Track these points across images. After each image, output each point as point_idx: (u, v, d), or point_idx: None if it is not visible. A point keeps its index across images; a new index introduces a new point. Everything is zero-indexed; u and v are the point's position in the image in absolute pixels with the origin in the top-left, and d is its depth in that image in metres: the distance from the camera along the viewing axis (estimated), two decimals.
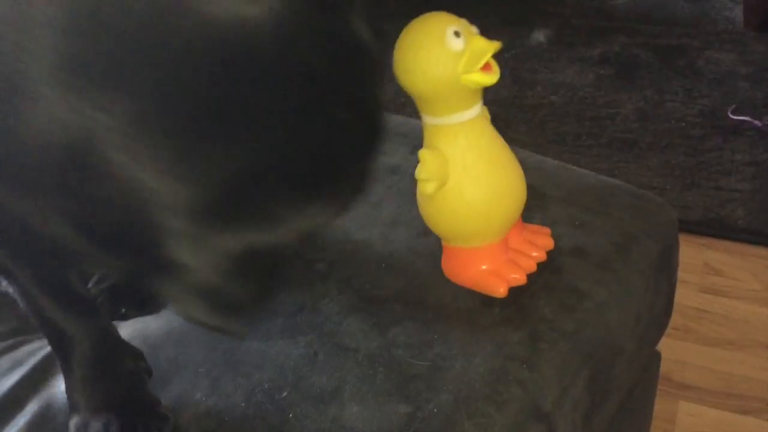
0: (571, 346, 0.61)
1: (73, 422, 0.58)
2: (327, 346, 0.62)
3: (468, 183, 0.60)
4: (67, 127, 0.37)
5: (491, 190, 0.60)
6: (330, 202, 0.43)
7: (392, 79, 0.55)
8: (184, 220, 0.38)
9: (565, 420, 0.60)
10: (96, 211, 0.39)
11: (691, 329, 1.26)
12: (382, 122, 0.43)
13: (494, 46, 0.57)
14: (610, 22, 2.00)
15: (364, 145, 0.43)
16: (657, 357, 0.83)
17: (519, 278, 0.63)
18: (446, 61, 0.56)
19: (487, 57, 0.56)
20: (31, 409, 0.62)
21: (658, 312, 0.74)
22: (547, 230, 0.66)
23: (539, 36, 1.96)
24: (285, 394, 0.58)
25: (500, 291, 0.62)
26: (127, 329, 0.66)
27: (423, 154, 0.60)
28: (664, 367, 1.19)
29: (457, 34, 0.56)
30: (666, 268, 0.73)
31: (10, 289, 0.57)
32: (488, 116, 0.62)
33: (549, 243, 0.65)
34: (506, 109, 1.74)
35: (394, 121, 0.73)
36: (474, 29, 0.58)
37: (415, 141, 0.64)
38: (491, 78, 0.57)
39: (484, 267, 0.63)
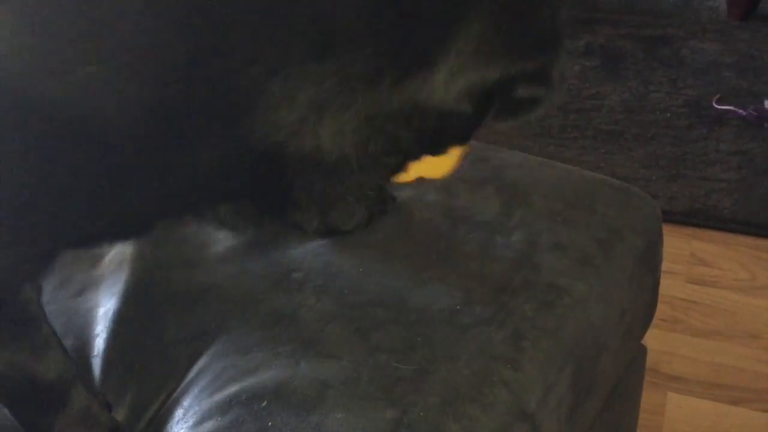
0: (553, 343, 0.61)
1: None
2: (309, 354, 0.61)
3: None
4: None
5: None
6: None
7: None
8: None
9: (550, 418, 0.60)
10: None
11: (679, 320, 1.27)
12: None
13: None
14: (594, 13, 2.00)
15: None
16: (643, 351, 0.83)
17: None
18: None
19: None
20: None
21: (643, 306, 0.74)
22: None
23: None
24: (264, 403, 0.57)
25: None
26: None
27: None
28: (652, 359, 1.19)
29: None
30: (650, 262, 0.73)
31: None
32: None
33: None
34: None
35: None
36: None
37: None
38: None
39: None
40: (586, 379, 0.64)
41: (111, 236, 0.57)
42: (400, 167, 0.57)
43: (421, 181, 0.67)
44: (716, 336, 1.23)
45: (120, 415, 0.61)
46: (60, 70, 0.42)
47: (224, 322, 0.64)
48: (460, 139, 0.57)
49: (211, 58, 0.44)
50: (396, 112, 0.50)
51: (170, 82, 0.44)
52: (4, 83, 0.42)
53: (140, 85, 0.44)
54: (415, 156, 0.56)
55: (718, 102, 1.62)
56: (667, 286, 1.36)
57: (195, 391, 0.60)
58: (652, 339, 1.24)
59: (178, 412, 0.60)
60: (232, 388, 0.60)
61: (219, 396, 0.59)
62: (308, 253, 0.70)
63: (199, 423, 0.58)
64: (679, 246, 1.38)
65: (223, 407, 0.58)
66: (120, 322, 0.65)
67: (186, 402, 0.60)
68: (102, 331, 0.65)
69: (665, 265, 1.34)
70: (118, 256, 0.69)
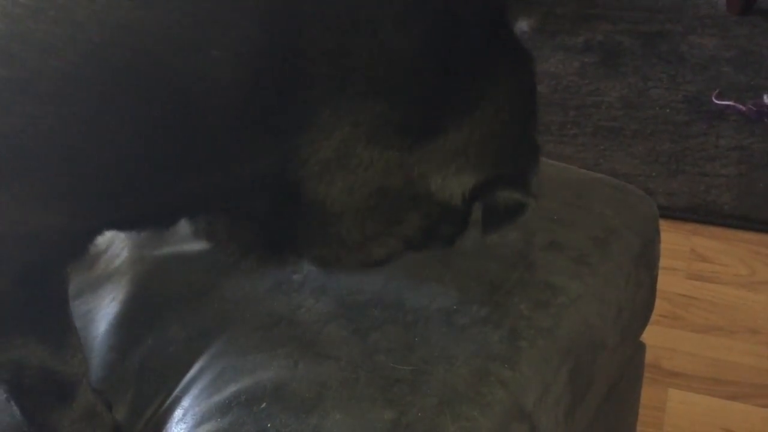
0: (549, 342, 0.61)
1: None
2: (307, 355, 0.61)
3: None
4: None
5: None
6: None
7: None
8: None
9: (548, 417, 0.60)
10: None
11: (680, 316, 1.27)
12: None
13: None
14: (593, 10, 2.00)
15: None
16: (642, 348, 0.84)
17: None
18: None
19: None
20: None
21: (641, 304, 0.74)
22: None
23: (523, 25, 1.95)
24: (263, 405, 0.57)
25: None
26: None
27: None
28: (652, 355, 1.20)
29: None
30: (647, 259, 0.73)
31: None
32: None
33: None
34: None
35: None
36: None
37: None
38: None
39: None
40: (583, 378, 0.64)
41: (146, 221, 0.59)
42: (389, 256, 0.59)
43: None
44: (717, 332, 1.24)
45: (120, 414, 0.61)
46: (192, 49, 0.45)
47: (224, 322, 0.64)
48: (448, 241, 0.61)
49: (289, 66, 0.48)
50: (404, 189, 0.54)
51: (259, 81, 0.47)
52: (140, 57, 0.44)
53: (242, 79, 0.47)
54: (408, 245, 0.59)
55: (718, 97, 1.62)
56: (667, 282, 1.37)
57: (195, 391, 0.61)
58: (652, 335, 1.24)
59: (178, 413, 0.60)
60: (232, 389, 0.60)
61: (218, 397, 0.59)
62: None
63: (198, 424, 0.58)
64: (679, 242, 1.38)
65: (223, 408, 0.58)
66: (119, 323, 0.65)
67: (186, 402, 0.60)
68: (101, 332, 0.65)
69: (665, 262, 1.34)
70: (114, 258, 0.69)
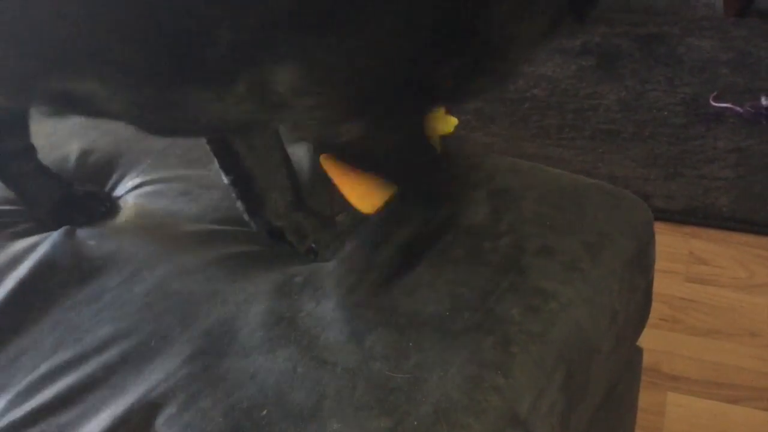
0: (542, 347, 0.61)
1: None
2: (306, 359, 0.62)
3: None
4: None
5: None
6: None
7: None
8: None
9: (543, 423, 0.60)
10: None
11: (679, 320, 1.27)
12: None
13: None
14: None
15: None
16: (639, 352, 0.84)
17: None
18: None
19: None
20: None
21: (636, 309, 0.74)
22: None
23: None
24: (264, 412, 0.58)
25: None
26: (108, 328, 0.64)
27: None
28: (652, 359, 1.20)
29: None
30: (641, 264, 0.73)
31: None
32: None
33: None
34: (489, 103, 1.74)
35: None
36: None
37: None
38: None
39: None
40: (578, 383, 0.65)
41: None
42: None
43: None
44: (716, 335, 1.24)
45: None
46: None
47: (227, 323, 0.65)
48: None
49: None
50: None
51: None
52: None
53: None
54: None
55: (715, 99, 1.62)
56: (665, 285, 1.37)
57: (196, 388, 0.61)
58: (651, 339, 1.24)
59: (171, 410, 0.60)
60: (235, 394, 0.60)
61: (223, 401, 0.60)
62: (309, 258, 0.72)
63: (199, 421, 0.59)
64: (677, 245, 1.39)
65: (226, 410, 0.59)
66: (122, 330, 0.66)
67: (185, 401, 0.61)
68: (106, 343, 0.65)
69: (664, 265, 1.35)
70: (107, 269, 0.70)
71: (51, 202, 0.78)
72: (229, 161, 0.72)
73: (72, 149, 0.87)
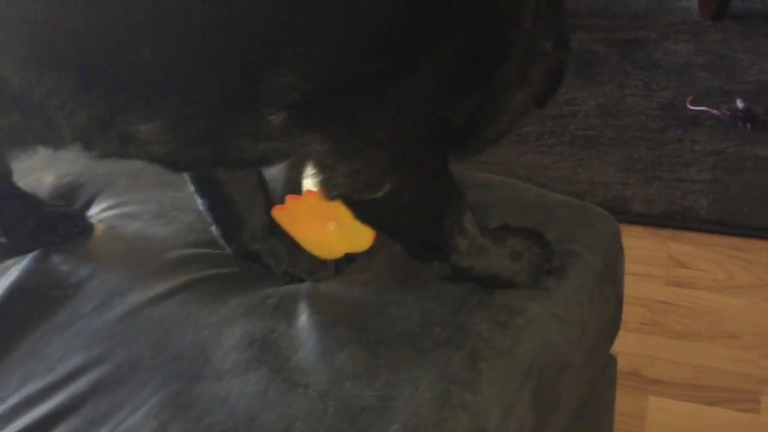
0: (509, 363, 0.62)
1: None
2: (277, 382, 0.63)
3: None
4: None
5: None
6: None
7: None
8: None
9: None
10: None
11: (659, 323, 1.28)
12: None
13: None
14: (568, 19, 2.01)
15: None
16: (612, 361, 0.85)
17: None
18: None
19: None
20: None
21: (607, 320, 0.75)
22: None
23: None
24: None
25: None
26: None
27: None
28: (632, 363, 1.21)
29: None
30: (611, 277, 0.74)
31: None
32: None
33: None
34: None
35: None
36: None
37: None
38: None
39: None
40: (548, 397, 0.66)
41: None
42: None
43: (348, 256, 0.72)
44: (696, 337, 1.25)
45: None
46: None
47: (200, 346, 0.66)
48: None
49: None
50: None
51: None
52: None
53: None
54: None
55: (692, 103, 1.64)
56: (646, 289, 1.38)
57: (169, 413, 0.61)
58: (632, 343, 1.26)
59: None
60: (205, 420, 0.61)
61: (193, 428, 0.60)
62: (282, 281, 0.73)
63: None
64: (657, 248, 1.40)
65: None
66: (93, 359, 0.66)
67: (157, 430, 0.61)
68: (77, 372, 0.65)
69: (644, 269, 1.36)
70: (78, 296, 0.70)
71: (26, 223, 0.79)
72: (207, 186, 0.73)
73: (47, 171, 0.88)
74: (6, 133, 0.63)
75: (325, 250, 0.71)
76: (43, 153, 0.90)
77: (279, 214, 0.72)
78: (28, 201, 0.80)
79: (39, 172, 0.88)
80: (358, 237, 0.69)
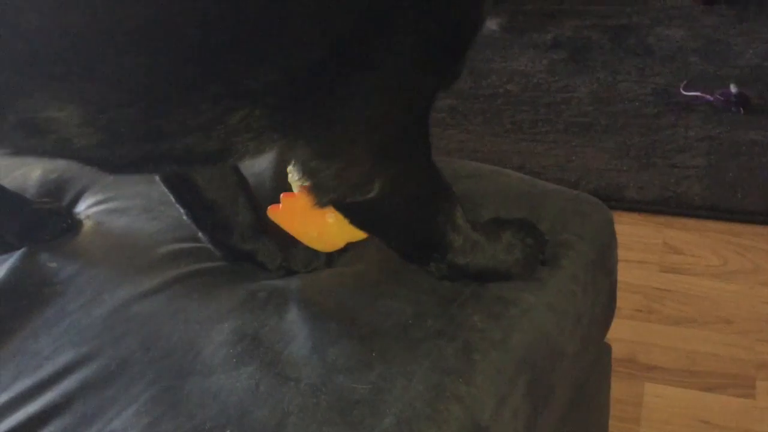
0: (503, 354, 0.62)
1: None
2: (269, 376, 0.62)
3: None
4: None
5: None
6: None
7: None
8: None
9: (506, 429, 0.61)
10: None
11: (654, 310, 1.28)
12: None
13: None
14: (561, 5, 2.00)
15: None
16: (607, 350, 0.84)
17: None
18: None
19: None
20: None
21: (601, 309, 0.75)
22: None
23: (492, 24, 1.96)
24: None
25: None
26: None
27: None
28: (628, 350, 1.21)
29: None
30: (604, 266, 0.74)
31: None
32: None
33: None
34: (463, 100, 1.74)
35: None
36: None
37: None
38: None
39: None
40: (543, 387, 0.65)
41: None
42: None
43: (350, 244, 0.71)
44: (691, 323, 1.25)
45: None
46: None
47: (190, 342, 0.65)
48: None
49: None
50: None
51: None
52: None
53: None
54: None
55: (686, 88, 1.63)
56: (640, 276, 1.38)
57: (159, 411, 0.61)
58: (627, 330, 1.26)
59: None
60: (197, 415, 0.60)
61: (185, 425, 0.60)
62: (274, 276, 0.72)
63: None
64: (651, 235, 1.40)
65: None
66: (83, 356, 0.65)
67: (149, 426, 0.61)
68: (66, 370, 0.65)
69: (638, 255, 1.36)
70: (67, 293, 0.70)
71: (13, 221, 0.77)
72: (187, 196, 0.71)
73: (33, 167, 0.86)
74: None
75: (326, 244, 0.70)
76: None
77: (275, 213, 0.71)
78: (13, 199, 0.79)
79: (25, 167, 0.87)
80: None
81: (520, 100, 1.71)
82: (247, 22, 0.49)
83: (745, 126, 1.54)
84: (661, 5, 1.94)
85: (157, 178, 0.72)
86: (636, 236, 1.39)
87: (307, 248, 0.72)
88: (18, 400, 0.61)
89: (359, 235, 0.68)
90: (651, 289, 1.31)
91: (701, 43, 1.78)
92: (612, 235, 0.75)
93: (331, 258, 0.72)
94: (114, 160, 0.56)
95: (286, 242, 0.73)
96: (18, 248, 0.75)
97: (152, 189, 0.80)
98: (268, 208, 0.71)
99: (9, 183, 0.82)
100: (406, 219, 0.63)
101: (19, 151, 0.56)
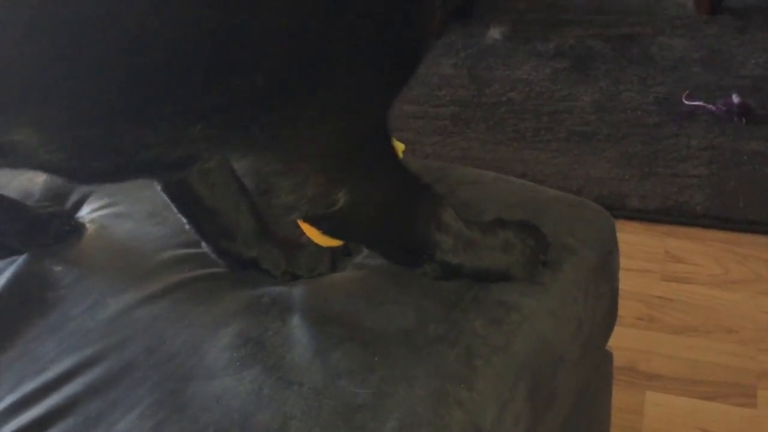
0: (504, 359, 0.62)
1: None
2: (272, 380, 0.62)
3: None
4: None
5: None
6: None
7: None
8: None
9: None
10: None
11: (656, 318, 1.28)
12: None
13: None
14: (563, 15, 2.01)
15: None
16: (608, 357, 0.85)
17: None
18: None
19: None
20: None
21: (602, 316, 0.75)
22: None
23: (495, 33, 1.97)
24: None
25: None
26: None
27: None
28: (629, 359, 1.21)
29: None
30: (606, 273, 0.74)
31: None
32: None
33: None
34: (465, 108, 1.75)
35: None
36: None
37: None
38: None
39: None
40: (544, 393, 0.65)
41: None
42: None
43: (344, 251, 0.71)
44: (692, 332, 1.25)
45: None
46: None
47: (194, 346, 0.65)
48: None
49: None
50: None
51: None
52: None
53: None
54: None
55: (688, 98, 1.64)
56: (642, 284, 1.38)
57: (164, 415, 0.61)
58: (628, 338, 1.26)
59: None
60: (201, 419, 0.61)
61: (189, 428, 0.60)
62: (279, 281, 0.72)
63: None
64: (653, 244, 1.40)
65: None
66: (87, 359, 0.66)
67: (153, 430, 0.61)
68: (71, 373, 0.65)
69: (640, 264, 1.36)
70: (71, 297, 0.70)
71: (16, 225, 0.78)
72: (189, 206, 0.71)
73: (39, 172, 0.87)
74: None
75: (327, 240, 0.70)
76: None
77: None
78: (15, 203, 0.80)
79: (31, 172, 0.87)
80: None
81: (523, 109, 1.72)
82: (185, 52, 0.49)
83: (746, 136, 1.54)
84: (663, 15, 1.95)
85: (158, 187, 0.72)
86: (638, 245, 1.39)
87: (312, 253, 0.72)
88: (22, 403, 0.61)
89: None
90: (652, 297, 1.31)
91: (704, 53, 1.79)
92: (614, 242, 0.75)
93: (336, 263, 0.72)
94: (83, 171, 0.58)
95: (290, 247, 0.73)
96: (20, 252, 0.76)
97: (157, 194, 0.81)
98: None
99: (15, 187, 0.83)
100: (381, 226, 0.63)
101: None
